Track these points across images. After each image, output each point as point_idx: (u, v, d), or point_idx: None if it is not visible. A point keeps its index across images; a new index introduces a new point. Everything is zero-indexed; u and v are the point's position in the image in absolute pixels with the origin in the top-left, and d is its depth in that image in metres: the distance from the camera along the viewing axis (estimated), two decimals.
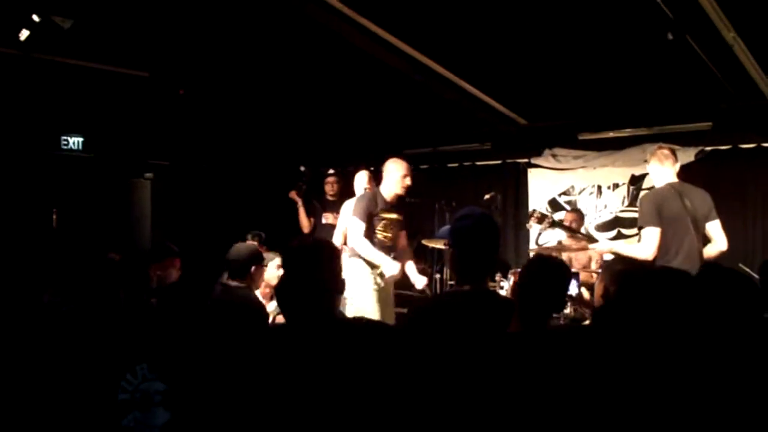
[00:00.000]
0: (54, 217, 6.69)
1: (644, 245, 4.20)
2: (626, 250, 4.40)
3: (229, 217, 7.48)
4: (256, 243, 6.34)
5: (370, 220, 4.73)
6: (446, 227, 3.10)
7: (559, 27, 4.56)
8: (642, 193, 4.44)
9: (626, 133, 6.62)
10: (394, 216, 4.79)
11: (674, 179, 4.25)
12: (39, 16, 4.47)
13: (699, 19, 4.08)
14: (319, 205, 6.98)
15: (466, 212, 2.75)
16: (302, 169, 7.01)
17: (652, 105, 6.18)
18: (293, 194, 6.98)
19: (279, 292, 2.24)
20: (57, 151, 6.74)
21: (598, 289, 2.93)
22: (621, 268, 2.62)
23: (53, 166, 6.76)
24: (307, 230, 6.95)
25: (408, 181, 4.90)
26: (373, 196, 4.97)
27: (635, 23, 4.30)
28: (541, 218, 4.73)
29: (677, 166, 4.29)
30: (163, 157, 7.57)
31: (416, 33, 4.80)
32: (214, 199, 7.77)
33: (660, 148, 4.59)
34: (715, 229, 4.28)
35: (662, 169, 4.27)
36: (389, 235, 4.71)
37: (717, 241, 4.30)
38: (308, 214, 6.95)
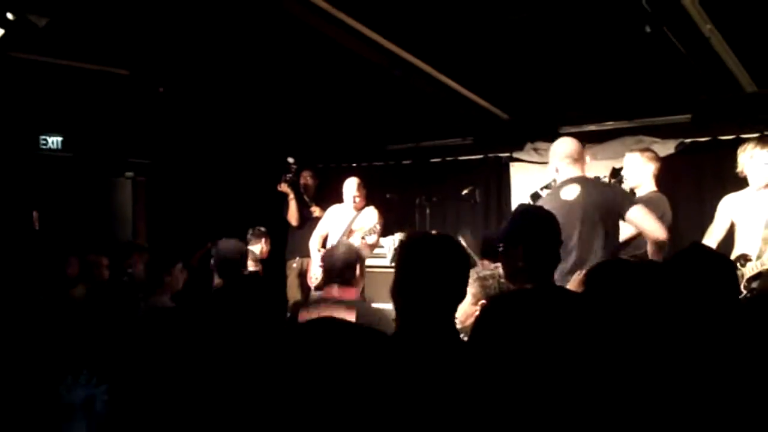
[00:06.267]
0: (35, 217, 6.63)
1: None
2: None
3: (212, 214, 7.46)
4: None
5: None
6: (500, 228, 2.97)
7: (538, 21, 4.57)
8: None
9: (607, 126, 6.64)
10: None
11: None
12: (13, 14, 4.41)
13: (676, 12, 4.10)
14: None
15: (526, 208, 2.79)
16: (290, 160, 6.97)
17: (632, 98, 6.22)
18: (284, 187, 6.96)
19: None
20: (36, 150, 6.69)
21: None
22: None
23: (33, 165, 6.71)
24: (296, 223, 6.94)
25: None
26: None
27: (613, 16, 4.32)
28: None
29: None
30: (143, 155, 7.53)
31: (395, 27, 4.79)
32: (196, 196, 7.74)
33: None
34: None
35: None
36: None
37: None
38: (299, 206, 6.94)
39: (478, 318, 2.45)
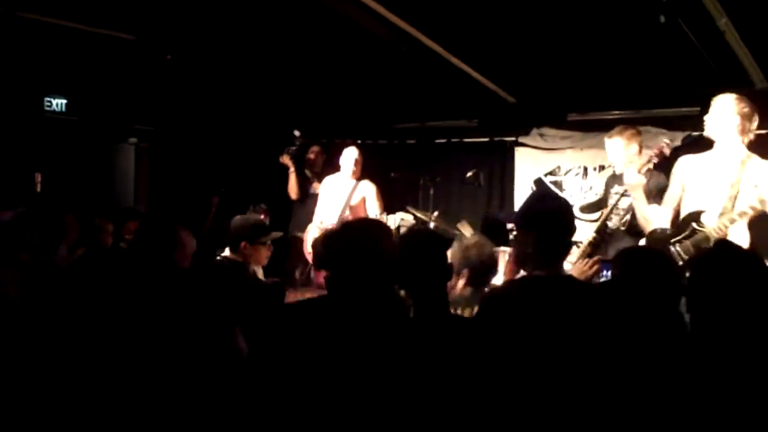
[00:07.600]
0: (38, 180, 6.61)
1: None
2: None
3: (215, 184, 7.44)
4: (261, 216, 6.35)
5: None
6: (514, 212, 2.93)
7: (550, 5, 4.53)
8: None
9: (614, 115, 6.60)
10: None
11: None
12: None
13: (692, 3, 4.07)
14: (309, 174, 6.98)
15: (543, 194, 2.76)
16: (296, 133, 6.92)
17: (641, 88, 6.17)
18: (285, 159, 6.92)
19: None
20: (40, 112, 6.65)
21: None
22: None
23: (36, 127, 6.68)
24: (296, 197, 6.92)
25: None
26: None
27: (628, 4, 4.28)
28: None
29: None
30: (148, 122, 7.49)
31: (406, 3, 4.75)
32: (200, 165, 7.71)
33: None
34: None
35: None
36: None
37: None
38: (300, 180, 6.90)
39: (486, 301, 2.49)
